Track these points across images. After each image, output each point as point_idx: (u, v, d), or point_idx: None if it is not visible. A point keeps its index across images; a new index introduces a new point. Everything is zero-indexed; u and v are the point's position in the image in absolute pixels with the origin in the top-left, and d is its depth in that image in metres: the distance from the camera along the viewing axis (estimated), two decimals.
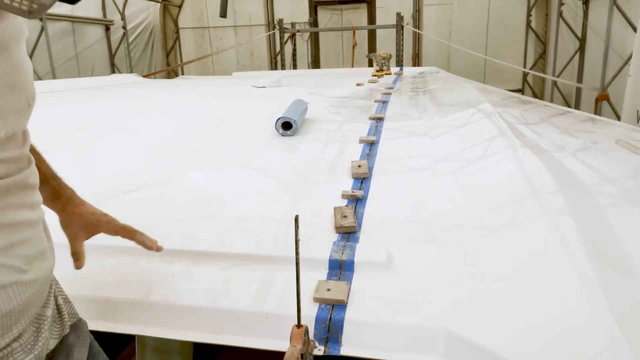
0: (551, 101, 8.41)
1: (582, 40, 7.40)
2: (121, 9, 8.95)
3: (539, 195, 1.07)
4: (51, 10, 7.09)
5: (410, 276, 0.89)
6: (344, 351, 0.78)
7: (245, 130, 1.79)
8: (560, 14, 7.57)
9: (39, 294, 0.65)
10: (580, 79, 7.49)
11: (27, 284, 0.60)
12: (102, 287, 0.91)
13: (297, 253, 0.69)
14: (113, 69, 9.13)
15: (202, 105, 2.44)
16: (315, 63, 10.20)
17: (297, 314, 0.71)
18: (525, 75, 9.24)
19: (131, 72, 9.06)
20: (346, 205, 1.13)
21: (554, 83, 8.04)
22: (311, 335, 0.80)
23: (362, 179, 1.31)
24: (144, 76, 6.87)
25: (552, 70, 7.95)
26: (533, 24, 9.17)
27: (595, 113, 6.34)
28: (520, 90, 9.63)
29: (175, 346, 1.15)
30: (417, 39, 9.64)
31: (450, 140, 1.54)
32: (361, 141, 1.58)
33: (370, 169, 1.38)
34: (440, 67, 9.38)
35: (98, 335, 0.83)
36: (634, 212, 1.06)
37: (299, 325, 0.71)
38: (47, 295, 0.69)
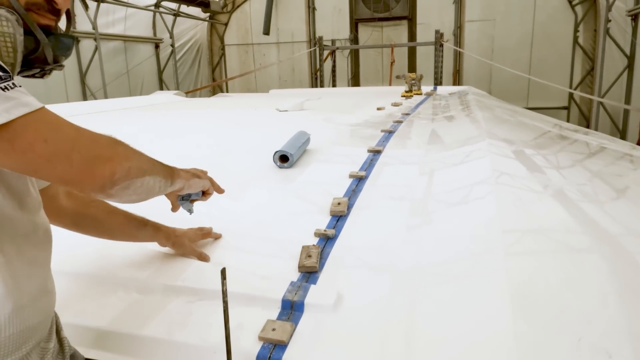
0: (597, 122, 8.08)
1: (631, 58, 7.09)
2: (170, 28, 9.44)
3: (496, 248, 1.10)
4: (105, 30, 7.59)
5: (353, 320, 0.95)
6: None
7: (246, 161, 1.89)
8: (607, 31, 7.29)
9: (44, 324, 0.75)
10: (628, 98, 7.16)
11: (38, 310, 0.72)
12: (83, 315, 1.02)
13: (225, 302, 0.76)
14: (161, 84, 9.62)
15: (219, 130, 2.58)
16: (355, 79, 10.30)
17: (227, 355, 0.79)
18: (571, 92, 8.92)
19: (177, 87, 9.52)
20: (313, 245, 1.20)
21: (600, 103, 7.72)
22: None
23: (339, 217, 1.37)
24: (187, 92, 7.22)
25: (599, 88, 7.64)
26: (580, 40, 8.88)
27: None
28: (567, 108, 9.31)
29: None
30: (457, 56, 9.55)
31: (438, 180, 1.57)
32: (351, 176, 1.65)
33: (351, 206, 1.44)
34: (482, 84, 9.28)
35: None
36: (574, 260, 1.07)
37: None
38: (50, 328, 0.79)
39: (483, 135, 1.90)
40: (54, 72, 0.77)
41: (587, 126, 8.78)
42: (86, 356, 0.93)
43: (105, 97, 6.96)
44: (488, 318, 0.89)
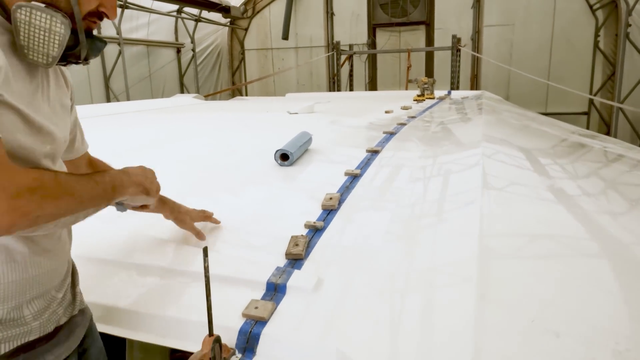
0: (616, 129, 7.96)
1: None
2: (191, 33, 9.68)
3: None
4: (128, 35, 7.84)
5: (330, 303, 1.03)
6: None
7: (249, 160, 1.99)
8: (626, 35, 7.19)
9: (54, 275, 0.87)
10: None
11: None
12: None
13: (206, 277, 0.86)
14: (182, 88, 9.86)
15: (228, 131, 2.70)
16: (372, 84, 10.36)
17: (208, 325, 0.88)
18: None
19: (198, 91, 9.74)
20: (302, 235, 1.29)
21: (620, 109, 7.61)
22: (233, 345, 0.96)
23: (329, 211, 1.46)
24: (205, 96, 7.40)
25: (620, 94, 7.53)
26: (601, 45, 8.75)
27: None
28: (587, 114, 9.19)
29: (155, 348, 1.35)
30: (475, 61, 9.53)
31: (428, 181, 1.64)
32: (346, 174, 1.73)
33: (343, 201, 1.52)
34: (500, 88, 9.23)
35: None
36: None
37: (210, 334, 0.88)
38: (63, 279, 0.91)
39: (479, 139, 1.96)
40: (80, 76, 0.89)
41: (608, 132, 8.65)
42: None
43: (128, 99, 7.19)
44: (453, 304, 0.96)
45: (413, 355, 0.83)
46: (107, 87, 7.72)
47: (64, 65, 0.88)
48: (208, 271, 0.86)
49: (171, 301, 1.08)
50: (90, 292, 1.09)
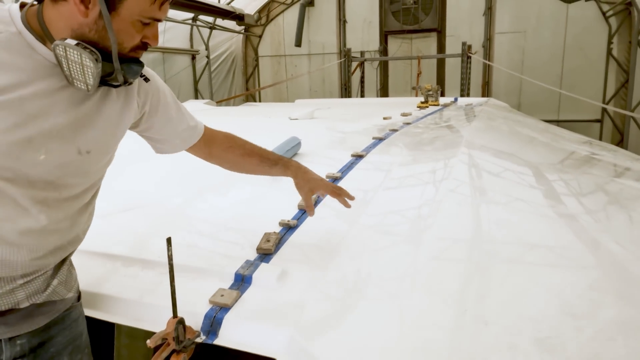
0: (627, 138, 7.89)
1: None
2: (206, 40, 9.91)
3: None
4: None
5: (291, 293, 1.13)
6: (216, 342, 1.03)
7: None
8: (638, 42, 7.15)
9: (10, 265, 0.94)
10: None
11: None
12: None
13: (170, 265, 0.96)
14: (196, 94, 10.08)
15: None
16: (384, 90, 10.44)
17: (172, 308, 0.98)
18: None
19: (212, 97, 9.95)
20: (274, 232, 1.39)
21: (632, 117, 7.54)
22: (198, 328, 1.06)
23: (304, 210, 1.55)
24: (218, 102, 7.57)
25: (632, 102, 7.47)
26: (615, 52, 8.69)
27: None
28: (599, 121, 9.11)
29: (141, 333, 1.46)
30: (486, 68, 9.55)
31: (402, 185, 1.73)
32: (327, 176, 1.83)
33: (319, 202, 1.62)
34: (512, 96, 9.23)
35: None
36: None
37: (174, 316, 0.99)
38: (31, 272, 0.98)
39: (460, 145, 2.04)
40: None
41: (621, 140, 8.57)
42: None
43: None
44: (407, 306, 1.05)
45: (360, 342, 0.92)
46: None
47: (112, 86, 0.98)
48: (172, 259, 0.97)
49: (149, 290, 1.19)
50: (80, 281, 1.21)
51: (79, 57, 0.86)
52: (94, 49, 0.87)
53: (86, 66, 0.86)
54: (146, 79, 1.05)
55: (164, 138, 1.20)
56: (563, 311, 0.97)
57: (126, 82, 0.96)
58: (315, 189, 1.32)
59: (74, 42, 0.86)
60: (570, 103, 8.87)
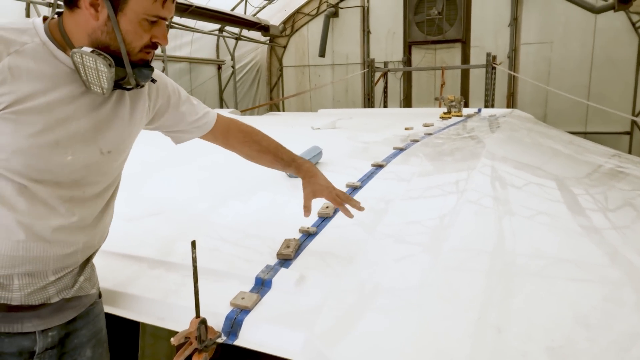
0: None
1: None
2: (232, 51, 10.11)
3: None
4: (172, 53, 8.29)
5: (309, 298, 1.17)
6: (237, 342, 1.07)
7: (262, 171, 2.16)
8: None
9: (46, 260, 1.01)
10: None
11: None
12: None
13: (194, 267, 1.01)
14: (221, 103, 10.27)
15: None
16: (407, 100, 10.43)
17: (195, 308, 1.03)
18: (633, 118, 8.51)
19: (236, 106, 10.13)
20: (294, 238, 1.43)
21: None
22: (219, 329, 1.11)
23: (324, 218, 1.59)
24: (242, 111, 7.70)
25: None
26: None
27: None
28: (629, 133, 8.90)
29: (164, 332, 1.51)
30: (511, 79, 9.45)
31: (422, 195, 1.75)
32: (347, 185, 1.86)
33: (338, 210, 1.65)
34: (538, 107, 9.11)
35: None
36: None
37: (197, 316, 1.03)
38: (61, 268, 1.04)
39: (481, 156, 2.05)
40: None
41: None
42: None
43: None
44: (423, 315, 1.08)
45: (376, 348, 0.95)
46: None
47: (125, 89, 1.05)
48: (196, 261, 1.02)
49: (173, 290, 1.24)
50: (104, 280, 1.27)
51: (94, 63, 0.93)
52: (107, 55, 0.94)
53: (101, 71, 0.94)
54: (153, 80, 1.10)
55: (179, 130, 1.29)
56: (577, 321, 0.97)
57: (138, 85, 1.03)
58: (317, 193, 1.34)
59: (89, 49, 0.93)
60: (598, 115, 8.68)
